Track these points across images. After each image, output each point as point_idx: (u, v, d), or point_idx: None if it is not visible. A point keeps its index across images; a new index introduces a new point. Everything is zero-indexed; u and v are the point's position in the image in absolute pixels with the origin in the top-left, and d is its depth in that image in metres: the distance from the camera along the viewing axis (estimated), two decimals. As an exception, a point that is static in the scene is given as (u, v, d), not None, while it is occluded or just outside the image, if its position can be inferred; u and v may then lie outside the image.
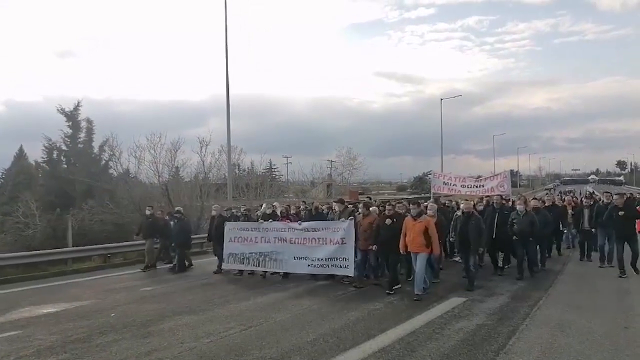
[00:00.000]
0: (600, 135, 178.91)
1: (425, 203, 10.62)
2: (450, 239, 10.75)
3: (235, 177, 31.58)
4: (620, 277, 9.86)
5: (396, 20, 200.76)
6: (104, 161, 29.49)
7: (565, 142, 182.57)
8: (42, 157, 28.57)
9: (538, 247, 10.90)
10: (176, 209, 13.74)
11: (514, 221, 10.15)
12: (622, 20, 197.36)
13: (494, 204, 11.10)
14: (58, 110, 28.11)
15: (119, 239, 17.04)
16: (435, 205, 10.24)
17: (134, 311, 7.96)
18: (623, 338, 5.97)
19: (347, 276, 9.66)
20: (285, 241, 10.41)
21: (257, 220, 11.52)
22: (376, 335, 6.19)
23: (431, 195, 16.59)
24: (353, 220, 9.71)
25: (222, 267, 11.47)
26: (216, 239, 11.93)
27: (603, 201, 12.15)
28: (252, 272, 11.20)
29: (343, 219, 9.98)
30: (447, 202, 14.83)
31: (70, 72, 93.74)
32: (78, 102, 28.75)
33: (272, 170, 59.05)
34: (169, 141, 28.79)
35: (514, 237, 10.06)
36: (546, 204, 13.28)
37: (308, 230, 10.23)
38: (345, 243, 9.65)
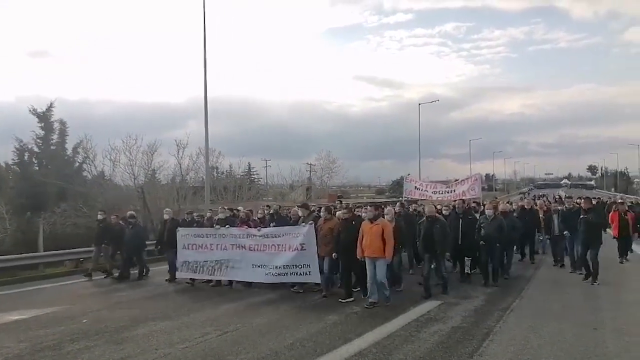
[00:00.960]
0: (573, 140, 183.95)
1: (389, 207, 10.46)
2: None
3: (213, 180, 31.30)
4: (585, 280, 9.97)
5: (375, 25, 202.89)
6: (77, 163, 28.79)
7: (539, 147, 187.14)
8: (13, 159, 27.68)
9: (505, 253, 10.64)
10: (128, 213, 12.95)
11: (482, 225, 9.85)
12: (594, 29, 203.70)
13: (457, 209, 10.73)
14: (30, 111, 27.35)
15: (92, 244, 16.63)
16: (392, 209, 9.91)
17: (107, 317, 7.80)
18: (592, 339, 6.13)
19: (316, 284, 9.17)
20: (243, 248, 9.71)
21: (212, 226, 10.76)
22: (353, 339, 6.20)
23: (403, 199, 16.30)
24: (312, 225, 9.18)
25: (177, 275, 10.76)
26: (168, 245, 11.15)
27: (566, 207, 12.10)
28: (211, 282, 10.47)
29: (303, 224, 9.47)
30: (416, 207, 14.49)
31: (44, 72, 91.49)
32: (51, 103, 28.01)
33: (251, 173, 58.63)
34: (145, 143, 28.38)
35: (481, 242, 9.71)
36: (525, 207, 13.41)
37: (267, 237, 9.58)
38: (305, 249, 9.04)
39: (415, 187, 15.61)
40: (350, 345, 5.97)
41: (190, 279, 10.57)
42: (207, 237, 10.25)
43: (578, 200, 11.13)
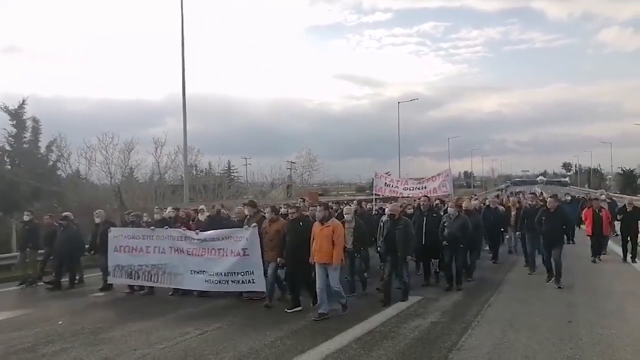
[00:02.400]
0: (548, 138, 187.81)
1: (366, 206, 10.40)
2: (378, 248, 9.25)
3: (192, 178, 30.97)
4: (548, 281, 9.40)
5: (355, 24, 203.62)
6: (51, 162, 28.11)
7: (516, 145, 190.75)
8: (-16, 158, 26.89)
9: (468, 254, 9.89)
10: (63, 214, 11.52)
11: (445, 225, 9.21)
12: (569, 30, 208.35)
13: (421, 207, 9.98)
14: (1, 108, 26.56)
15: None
16: (353, 208, 9.26)
17: (83, 318, 7.65)
18: (566, 332, 6.29)
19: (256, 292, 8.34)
20: (182, 252, 8.79)
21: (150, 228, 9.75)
22: (334, 336, 6.22)
23: (373, 197, 15.85)
24: (256, 228, 8.24)
25: (109, 280, 9.74)
26: (101, 249, 10.03)
27: (529, 204, 11.44)
28: (143, 289, 9.54)
29: (246, 226, 8.49)
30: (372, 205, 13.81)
31: (16, 68, 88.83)
32: (23, 100, 27.21)
33: (231, 171, 58.21)
34: (122, 141, 27.92)
35: (444, 242, 9.12)
36: (490, 207, 12.89)
37: (206, 240, 8.64)
38: (247, 254, 8.18)
39: (385, 183, 14.87)
40: (331, 342, 5.99)
41: (129, 288, 9.65)
42: (142, 238, 9.26)
43: (549, 199, 9.77)
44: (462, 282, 9.27)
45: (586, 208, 13.55)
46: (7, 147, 26.98)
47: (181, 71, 18.83)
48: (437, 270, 9.71)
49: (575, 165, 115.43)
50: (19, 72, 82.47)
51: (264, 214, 8.63)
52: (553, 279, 9.34)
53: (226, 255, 8.38)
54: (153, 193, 26.99)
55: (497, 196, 23.42)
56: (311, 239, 7.42)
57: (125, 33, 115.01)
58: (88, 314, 7.99)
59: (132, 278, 9.33)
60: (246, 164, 56.47)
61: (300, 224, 7.77)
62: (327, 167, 51.11)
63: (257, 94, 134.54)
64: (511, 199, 16.44)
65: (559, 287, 8.95)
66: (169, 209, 11.32)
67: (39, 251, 11.50)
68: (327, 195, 49.83)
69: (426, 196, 10.60)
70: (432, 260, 9.72)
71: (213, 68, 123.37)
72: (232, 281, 8.33)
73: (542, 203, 11.30)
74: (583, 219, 13.45)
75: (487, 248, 13.02)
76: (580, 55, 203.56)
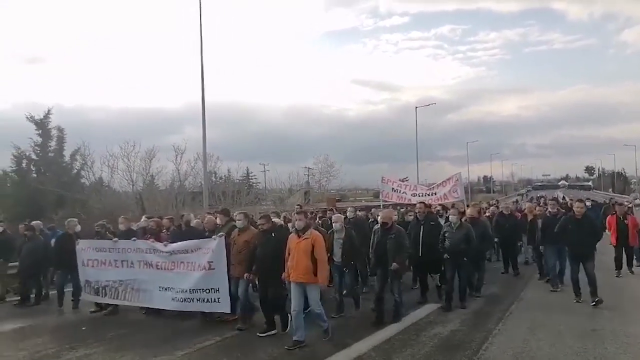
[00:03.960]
0: (569, 141, 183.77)
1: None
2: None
3: (211, 185, 31.30)
4: (577, 301, 8.18)
5: (371, 28, 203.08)
6: (75, 170, 28.83)
7: (536, 148, 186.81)
8: (11, 167, 27.68)
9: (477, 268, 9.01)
10: (31, 223, 10.46)
11: (446, 235, 8.19)
12: (589, 31, 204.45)
13: (418, 214, 8.91)
14: (27, 118, 27.38)
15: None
16: (342, 217, 8.35)
17: (107, 324, 7.76)
18: (590, 340, 6.15)
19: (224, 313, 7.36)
20: (151, 266, 7.91)
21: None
22: (352, 344, 6.21)
23: (381, 203, 14.80)
24: (223, 238, 7.31)
25: (82, 297, 8.82)
26: (61, 265, 9.20)
27: (549, 211, 9.97)
28: (111, 307, 8.53)
29: (214, 237, 7.50)
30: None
31: (41, 78, 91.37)
32: (48, 110, 28.06)
33: (250, 178, 58.66)
34: (143, 149, 28.45)
35: (445, 255, 8.10)
36: (504, 213, 11.74)
37: (175, 253, 7.71)
38: (213, 268, 7.26)
39: (393, 189, 14.11)
40: (349, 350, 5.98)
41: (97, 306, 8.72)
42: (109, 251, 8.35)
43: (571, 203, 8.85)
44: (466, 299, 8.26)
45: (609, 214, 11.95)
46: (33, 156, 27.78)
47: (200, 79, 19.11)
48: (439, 284, 8.65)
49: (599, 169, 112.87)
50: (44, 83, 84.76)
51: (234, 224, 7.61)
52: (580, 297, 8.23)
53: (194, 269, 7.50)
54: (173, 200, 27.35)
55: (516, 202, 22.62)
56: (286, 253, 6.44)
57: (143, 41, 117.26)
58: (112, 320, 8.05)
59: (99, 295, 8.39)
60: (264, 170, 56.71)
61: (273, 235, 6.79)
62: (345, 173, 50.95)
63: (274, 100, 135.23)
64: (526, 204, 15.06)
65: (595, 303, 7.82)
66: (144, 218, 10.27)
67: (10, 264, 10.46)
68: (344, 201, 49.70)
69: (422, 202, 9.48)
70: (432, 274, 8.78)
71: (230, 75, 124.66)
72: (197, 299, 7.41)
73: (564, 210, 10.52)
74: (607, 227, 11.66)
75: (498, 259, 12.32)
76: (601, 56, 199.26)
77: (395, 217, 10.29)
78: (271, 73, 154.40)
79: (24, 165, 27.67)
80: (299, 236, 6.33)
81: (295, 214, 7.14)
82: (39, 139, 27.71)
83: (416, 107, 42.61)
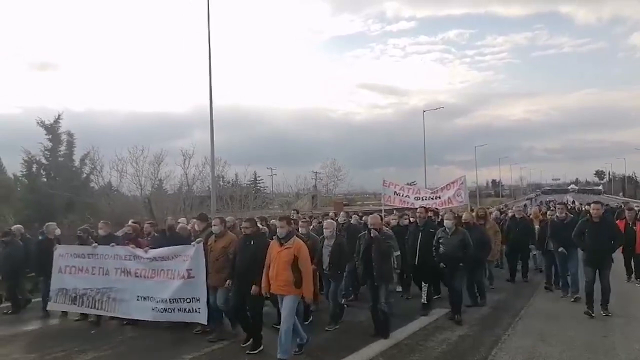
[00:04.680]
0: (579, 145, 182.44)
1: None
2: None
3: (219, 189, 31.42)
4: (589, 315, 7.53)
5: (378, 33, 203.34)
6: (85, 175, 29.06)
7: (545, 152, 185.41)
8: (21, 171, 27.93)
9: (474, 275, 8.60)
10: (12, 227, 10.00)
11: (440, 242, 7.70)
12: (598, 34, 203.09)
13: (417, 220, 8.45)
14: (38, 123, 27.66)
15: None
16: (334, 222, 7.89)
17: (117, 328, 7.76)
18: (601, 346, 6.08)
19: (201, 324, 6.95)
20: (130, 274, 7.49)
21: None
22: (360, 348, 6.18)
23: (382, 208, 14.40)
24: (202, 244, 6.95)
25: (48, 307, 8.26)
26: (41, 271, 8.74)
27: (557, 216, 9.51)
28: (79, 315, 8.13)
29: (193, 243, 7.14)
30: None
31: (51, 84, 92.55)
32: (59, 115, 28.30)
33: (257, 182, 58.82)
34: (151, 154, 28.65)
35: (441, 263, 7.65)
36: (516, 217, 11.33)
37: (156, 260, 7.32)
38: (193, 277, 6.94)
39: (395, 192, 13.49)
40: (357, 355, 5.97)
41: (81, 314, 8.15)
42: (87, 257, 7.91)
43: (587, 207, 8.30)
44: (460, 311, 7.65)
45: (618, 220, 11.05)
46: (43, 161, 28.03)
47: (208, 84, 19.21)
48: (425, 302, 8.08)
49: (609, 173, 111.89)
50: (54, 88, 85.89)
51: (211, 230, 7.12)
52: (591, 308, 7.63)
53: (173, 277, 7.14)
54: (182, 204, 27.48)
55: (525, 206, 22.22)
56: (266, 262, 5.95)
57: (152, 46, 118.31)
58: (123, 324, 7.86)
59: (76, 304, 7.87)
60: (272, 175, 56.94)
61: (252, 242, 6.23)
62: (352, 177, 50.97)
63: (281, 104, 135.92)
64: (533, 208, 14.48)
65: (606, 314, 7.47)
66: (130, 222, 9.69)
67: None
68: (352, 205, 49.65)
69: (423, 207, 9.06)
70: (423, 284, 8.16)
71: (238, 79, 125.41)
72: (178, 309, 7.06)
73: (572, 215, 10.19)
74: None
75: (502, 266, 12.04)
76: (610, 60, 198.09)
77: (394, 222, 10.04)
78: (278, 77, 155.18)
79: (34, 169, 27.92)
80: (281, 244, 5.85)
81: (278, 220, 6.45)
82: (49, 144, 27.95)
83: (424, 111, 42.63)
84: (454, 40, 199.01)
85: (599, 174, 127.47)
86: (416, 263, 8.04)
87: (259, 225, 7.21)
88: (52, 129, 27.92)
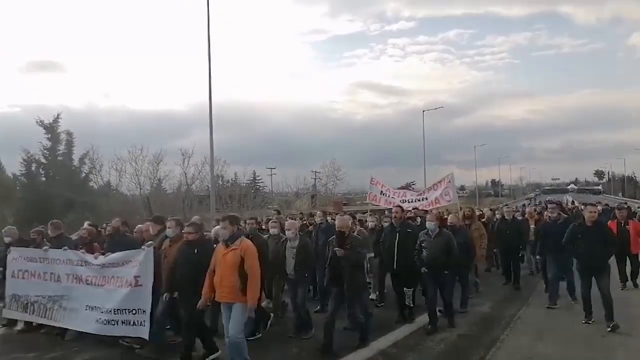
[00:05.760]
0: (579, 146, 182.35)
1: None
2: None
3: (218, 188, 31.44)
4: (587, 322, 7.07)
5: (378, 33, 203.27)
6: (84, 174, 29.13)
7: (545, 152, 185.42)
8: (21, 170, 28.04)
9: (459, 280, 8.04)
10: None
11: (423, 245, 7.13)
12: (598, 35, 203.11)
13: (393, 220, 7.82)
14: (37, 122, 27.72)
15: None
16: (296, 222, 7.51)
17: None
18: (599, 345, 6.09)
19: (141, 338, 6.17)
20: (81, 280, 6.82)
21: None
22: (358, 348, 6.16)
23: (368, 208, 13.79)
24: (152, 249, 6.28)
25: (3, 314, 7.62)
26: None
27: (550, 217, 8.94)
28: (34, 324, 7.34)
29: (144, 247, 6.45)
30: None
31: (50, 82, 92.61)
32: (58, 114, 28.42)
33: (256, 181, 58.84)
34: (151, 153, 28.71)
35: (423, 268, 7.03)
36: (506, 218, 10.59)
37: (106, 266, 6.67)
38: (140, 285, 6.24)
39: (382, 192, 12.98)
40: (355, 354, 5.97)
41: (25, 323, 7.47)
42: (39, 262, 7.26)
43: (588, 207, 7.38)
44: (454, 317, 7.27)
45: (610, 220, 10.16)
46: (43, 160, 28.08)
47: (208, 84, 19.20)
48: (410, 304, 7.50)
49: (608, 173, 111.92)
50: (53, 87, 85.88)
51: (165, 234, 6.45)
52: (590, 319, 7.08)
53: (122, 285, 6.46)
54: (181, 203, 27.52)
55: (523, 206, 21.92)
56: (210, 268, 5.43)
57: (151, 45, 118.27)
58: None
59: (27, 312, 7.25)
60: (271, 174, 56.94)
61: (196, 250, 5.68)
62: (352, 177, 51.03)
63: (281, 104, 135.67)
64: (527, 209, 13.81)
65: (611, 328, 6.64)
66: (86, 224, 8.93)
67: None
68: (351, 205, 49.65)
69: (399, 207, 8.31)
70: (406, 289, 7.49)
71: (237, 79, 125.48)
72: (122, 321, 6.34)
73: (566, 215, 9.64)
74: None
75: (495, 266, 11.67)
76: (610, 60, 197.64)
77: (372, 223, 9.42)
78: (278, 77, 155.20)
79: (33, 169, 27.98)
80: (227, 246, 5.32)
81: (220, 221, 5.74)
82: (48, 143, 28.04)
83: (423, 111, 42.54)
84: (454, 40, 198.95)
85: (599, 174, 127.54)
86: (394, 267, 7.43)
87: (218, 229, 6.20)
88: (51, 128, 27.98)
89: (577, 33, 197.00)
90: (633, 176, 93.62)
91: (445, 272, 7.02)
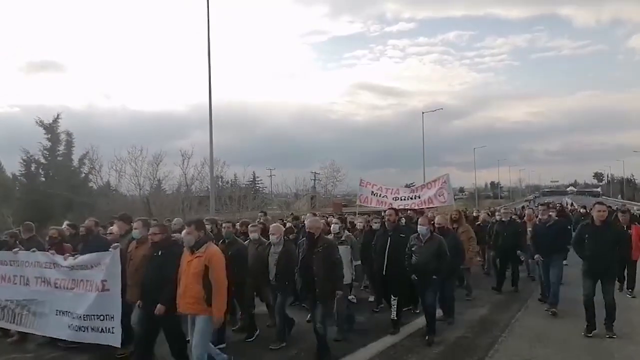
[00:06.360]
0: (578, 148, 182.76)
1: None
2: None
3: (218, 189, 31.46)
4: (587, 336, 6.53)
5: (378, 34, 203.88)
6: (83, 174, 29.12)
7: (545, 154, 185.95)
8: (20, 170, 28.01)
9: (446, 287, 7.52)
10: None
11: (413, 250, 6.72)
12: (597, 37, 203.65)
13: (386, 223, 7.47)
14: (37, 122, 27.70)
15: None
16: (281, 227, 7.14)
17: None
18: (597, 348, 6.09)
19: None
20: (49, 284, 6.48)
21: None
22: (357, 349, 6.19)
23: (357, 209, 13.39)
24: (118, 251, 5.92)
25: None
26: None
27: (540, 219, 8.70)
28: (15, 334, 6.94)
29: (111, 248, 6.06)
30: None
31: (50, 83, 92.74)
32: (57, 115, 28.39)
33: (256, 182, 58.92)
34: (150, 154, 28.74)
35: (413, 276, 6.66)
36: (503, 220, 10.32)
37: (75, 268, 6.30)
38: (108, 289, 5.92)
39: (373, 192, 12.60)
40: (353, 356, 5.98)
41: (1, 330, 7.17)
42: (9, 265, 6.91)
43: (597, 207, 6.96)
44: (434, 330, 6.65)
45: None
46: (42, 160, 28.06)
47: (208, 86, 19.23)
48: (394, 318, 6.99)
49: (608, 175, 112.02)
50: (53, 87, 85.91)
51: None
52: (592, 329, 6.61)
53: (91, 289, 6.11)
54: (180, 204, 27.52)
55: (522, 208, 21.80)
56: (179, 276, 5.05)
57: (151, 45, 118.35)
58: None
59: (1, 317, 6.88)
60: (271, 175, 57.02)
61: (160, 252, 5.30)
62: (351, 178, 51.00)
63: (280, 105, 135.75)
64: (526, 211, 13.49)
65: (612, 337, 6.42)
66: (65, 224, 8.46)
67: None
68: (351, 206, 49.69)
69: (393, 209, 7.94)
70: (392, 297, 7.06)
71: (237, 80, 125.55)
72: (91, 328, 6.01)
73: (564, 217, 9.55)
74: None
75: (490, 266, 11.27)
76: (610, 62, 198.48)
77: (360, 225, 9.16)
78: (278, 78, 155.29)
79: (32, 169, 27.96)
80: (192, 253, 4.93)
81: (186, 226, 5.32)
82: (48, 143, 28.01)
83: (423, 113, 42.62)
84: (454, 42, 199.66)
85: (598, 176, 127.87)
86: (384, 274, 7.04)
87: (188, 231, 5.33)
88: (51, 129, 27.97)
89: (576, 35, 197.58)
90: (632, 178, 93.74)
91: (434, 277, 6.55)
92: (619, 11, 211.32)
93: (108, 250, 6.04)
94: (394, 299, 7.01)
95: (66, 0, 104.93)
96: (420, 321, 7.53)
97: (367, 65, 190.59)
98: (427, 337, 6.48)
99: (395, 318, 6.95)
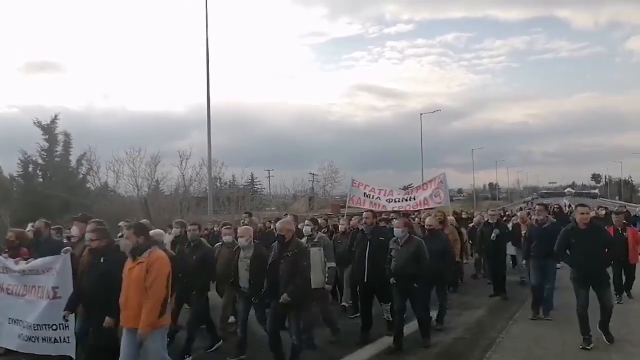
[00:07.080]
0: (576, 149, 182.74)
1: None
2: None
3: (216, 190, 31.42)
4: (585, 348, 6.01)
5: (376, 35, 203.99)
6: (81, 175, 29.06)
7: (543, 156, 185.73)
8: (18, 171, 27.94)
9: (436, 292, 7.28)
10: None
11: (392, 254, 6.34)
12: (595, 39, 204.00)
13: (364, 227, 6.96)
14: (34, 123, 27.64)
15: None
16: (250, 229, 6.46)
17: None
18: (596, 350, 6.06)
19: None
20: (2, 290, 6.06)
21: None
22: (354, 350, 6.20)
23: (345, 211, 12.80)
24: (68, 255, 5.60)
25: None
26: None
27: (537, 220, 8.08)
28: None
29: (62, 252, 5.69)
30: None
31: (48, 83, 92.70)
32: (55, 115, 28.32)
33: (254, 183, 58.85)
34: (148, 155, 28.71)
35: (391, 279, 6.24)
36: (490, 222, 9.95)
37: (26, 273, 5.90)
38: (59, 297, 5.53)
39: (365, 193, 12.21)
40: (351, 357, 5.98)
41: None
42: None
43: (579, 208, 6.58)
44: (430, 334, 6.47)
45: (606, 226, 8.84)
46: (40, 161, 28.00)
47: (206, 87, 19.23)
48: (389, 319, 6.75)
49: (605, 177, 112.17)
50: (51, 88, 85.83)
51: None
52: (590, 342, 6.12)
53: (42, 296, 5.74)
54: (178, 205, 27.49)
55: (520, 209, 21.73)
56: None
57: (150, 46, 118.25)
58: None
59: None
60: (269, 176, 56.92)
61: (102, 259, 4.80)
62: (349, 179, 51.08)
63: (279, 106, 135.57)
64: (519, 213, 13.07)
65: (609, 340, 6.25)
66: (30, 225, 8.02)
67: None
68: (350, 207, 49.66)
69: (370, 211, 7.52)
70: (383, 304, 6.87)
71: (235, 80, 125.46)
72: (42, 338, 5.66)
73: (553, 217, 9.05)
74: None
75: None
76: (608, 64, 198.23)
77: (342, 227, 8.49)
78: (276, 79, 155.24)
79: (30, 170, 27.90)
80: (134, 259, 4.48)
81: (126, 230, 4.87)
82: (46, 144, 27.94)
83: (421, 114, 42.67)
84: (452, 44, 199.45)
85: (596, 177, 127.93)
86: (365, 280, 6.59)
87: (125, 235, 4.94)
88: (48, 129, 27.91)
89: (575, 37, 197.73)
90: (630, 180, 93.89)
91: (415, 284, 6.15)
92: (617, 13, 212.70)
93: (59, 254, 5.68)
94: (387, 305, 6.75)
95: (65, 0, 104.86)
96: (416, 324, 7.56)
97: (365, 66, 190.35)
98: (392, 346, 6.19)
99: (391, 319, 6.71)
